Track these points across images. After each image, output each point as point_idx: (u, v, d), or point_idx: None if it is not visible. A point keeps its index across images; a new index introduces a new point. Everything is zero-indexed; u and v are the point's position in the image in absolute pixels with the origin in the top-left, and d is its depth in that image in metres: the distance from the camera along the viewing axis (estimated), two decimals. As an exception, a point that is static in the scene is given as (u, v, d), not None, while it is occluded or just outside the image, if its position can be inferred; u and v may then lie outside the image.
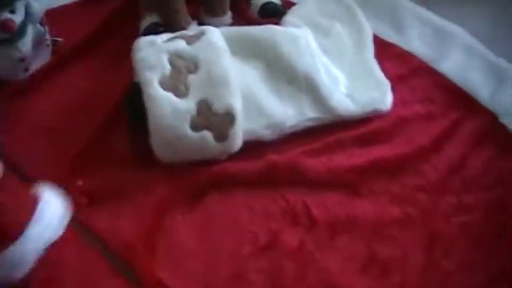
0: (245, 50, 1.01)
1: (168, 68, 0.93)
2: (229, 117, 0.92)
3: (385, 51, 1.15)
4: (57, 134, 1.02)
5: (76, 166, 0.97)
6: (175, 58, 0.94)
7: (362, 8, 1.19)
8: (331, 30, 1.13)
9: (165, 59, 0.93)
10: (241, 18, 1.18)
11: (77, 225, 0.90)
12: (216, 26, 1.09)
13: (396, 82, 1.08)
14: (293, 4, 1.20)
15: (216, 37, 0.97)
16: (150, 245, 0.88)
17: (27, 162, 0.98)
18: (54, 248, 0.87)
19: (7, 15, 1.00)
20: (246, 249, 0.88)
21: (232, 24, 1.15)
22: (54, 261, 0.86)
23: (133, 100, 0.96)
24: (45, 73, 1.11)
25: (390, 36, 1.19)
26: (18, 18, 1.01)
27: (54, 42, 1.13)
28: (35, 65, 1.10)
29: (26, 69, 1.09)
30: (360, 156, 0.98)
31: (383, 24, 1.20)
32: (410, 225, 0.90)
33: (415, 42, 1.19)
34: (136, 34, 1.12)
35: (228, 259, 0.87)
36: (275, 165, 0.95)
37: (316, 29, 1.11)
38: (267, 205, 0.92)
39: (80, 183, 0.93)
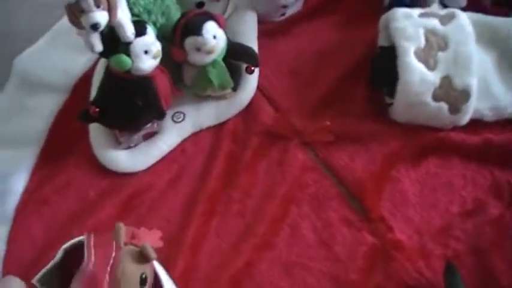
0: (485, 37, 1.09)
1: (423, 41, 1.03)
2: (465, 95, 1.01)
3: None
4: (302, 75, 1.16)
5: (320, 108, 1.10)
6: (429, 34, 1.03)
7: None
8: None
9: (421, 33, 1.03)
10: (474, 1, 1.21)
11: (317, 157, 1.06)
12: (453, 5, 1.17)
13: None
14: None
15: (465, 22, 1.06)
16: (377, 187, 1.01)
17: (278, 94, 1.13)
18: (297, 170, 1.03)
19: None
20: (455, 209, 0.99)
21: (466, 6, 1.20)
22: (296, 181, 1.03)
23: (380, 63, 1.07)
24: (296, 20, 1.23)
25: None
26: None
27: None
28: (289, 12, 1.23)
29: (283, 14, 1.22)
30: None
31: None
32: None
33: None
34: (376, 3, 1.23)
35: (439, 214, 0.99)
36: (490, 143, 1.04)
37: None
38: (477, 176, 1.02)
39: (328, 123, 1.06)
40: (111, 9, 0.88)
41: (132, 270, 0.75)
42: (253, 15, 1.19)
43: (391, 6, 1.14)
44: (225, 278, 0.93)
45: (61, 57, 1.19)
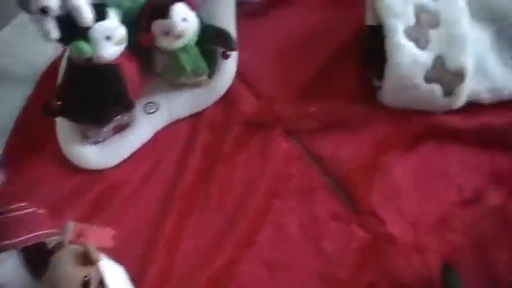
0: (481, 13, 1.02)
1: (412, 19, 0.95)
2: (459, 76, 0.94)
3: None
4: (286, 59, 1.08)
5: (306, 92, 1.03)
6: (419, 11, 0.96)
7: None
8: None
9: (411, 9, 0.96)
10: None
11: (301, 146, 0.99)
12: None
13: None
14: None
15: None
16: (367, 177, 0.95)
17: (259, 79, 1.06)
18: (280, 161, 0.97)
19: None
20: (452, 199, 0.92)
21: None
22: (279, 172, 0.96)
23: (368, 43, 1.00)
24: (279, 0, 1.14)
25: None
26: None
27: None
28: None
29: None
30: None
31: None
32: None
33: None
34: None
35: (434, 205, 0.92)
36: (488, 127, 0.97)
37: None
38: (475, 163, 0.95)
39: (313, 109, 1.00)
40: (63, -9, 0.81)
41: (73, 273, 0.71)
42: (232, -5, 1.11)
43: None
44: (203, 280, 0.87)
45: (26, 46, 1.12)
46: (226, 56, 1.00)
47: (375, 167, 0.96)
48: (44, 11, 0.80)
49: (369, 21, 1.03)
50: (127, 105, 0.94)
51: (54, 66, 1.09)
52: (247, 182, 0.96)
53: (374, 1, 1.01)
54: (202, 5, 1.06)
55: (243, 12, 1.12)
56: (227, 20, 1.07)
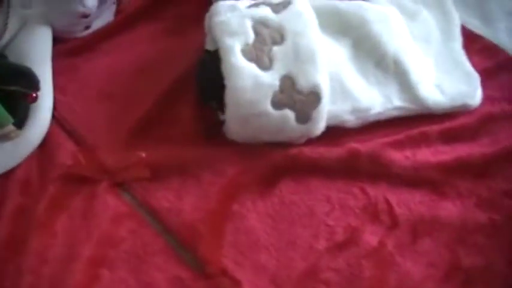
0: (333, 26, 0.94)
1: (252, 36, 0.85)
2: (314, 97, 0.84)
3: (472, 43, 1.05)
4: (115, 98, 0.98)
5: (137, 136, 0.92)
6: (259, 26, 0.86)
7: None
8: (417, 15, 1.04)
9: (249, 25, 0.86)
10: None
11: (134, 200, 0.87)
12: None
13: (483, 77, 0.99)
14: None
15: (304, 7, 0.89)
16: (216, 230, 0.83)
17: (82, 125, 0.94)
18: (108, 222, 0.84)
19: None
20: (322, 244, 0.82)
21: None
22: (107, 236, 0.83)
23: (205, 70, 0.88)
24: (107, 33, 1.06)
25: (477, 27, 1.09)
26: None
27: (119, 1, 1.06)
28: (97, 24, 1.04)
29: (87, 27, 1.03)
30: (445, 154, 0.90)
31: (471, 15, 1.10)
32: (496, 233, 0.83)
33: (503, 35, 1.09)
34: (206, 3, 1.03)
35: (301, 254, 0.82)
36: (356, 154, 0.88)
37: (402, 11, 1.02)
38: (346, 198, 0.86)
39: (143, 155, 0.87)
40: None
41: None
42: (47, 31, 0.99)
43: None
44: None
45: None
46: (32, 99, 0.88)
47: (225, 217, 0.85)
48: None
49: (209, 45, 0.92)
50: None
51: None
52: (69, 251, 0.82)
53: (209, 21, 0.91)
54: (12, 42, 0.96)
55: (63, 48, 1.02)
56: (42, 59, 0.96)
